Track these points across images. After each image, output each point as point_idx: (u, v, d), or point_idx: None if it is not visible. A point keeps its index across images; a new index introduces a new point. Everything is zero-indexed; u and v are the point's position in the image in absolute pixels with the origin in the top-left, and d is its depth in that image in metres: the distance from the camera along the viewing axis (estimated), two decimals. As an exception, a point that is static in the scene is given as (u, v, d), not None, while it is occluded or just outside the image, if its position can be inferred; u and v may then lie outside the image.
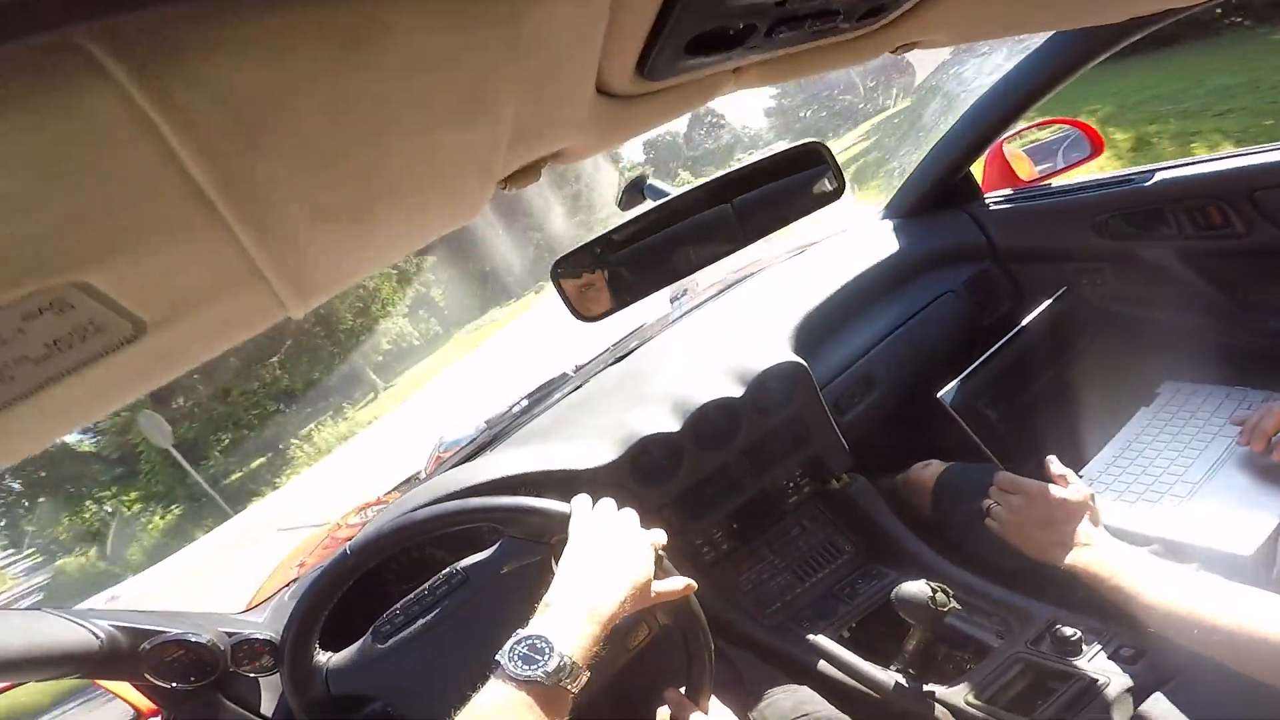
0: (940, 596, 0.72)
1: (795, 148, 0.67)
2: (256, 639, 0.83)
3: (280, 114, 0.21)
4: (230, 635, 0.82)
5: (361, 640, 0.75)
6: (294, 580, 1.01)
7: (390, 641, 0.74)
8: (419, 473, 1.70)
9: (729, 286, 1.38)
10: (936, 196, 1.28)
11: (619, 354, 1.27)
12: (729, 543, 1.04)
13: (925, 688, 0.75)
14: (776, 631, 0.94)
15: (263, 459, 16.65)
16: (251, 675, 0.84)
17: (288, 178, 0.23)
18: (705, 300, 1.37)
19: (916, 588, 0.73)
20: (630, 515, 0.71)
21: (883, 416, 1.12)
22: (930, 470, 0.97)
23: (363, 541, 0.73)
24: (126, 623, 0.76)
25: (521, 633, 0.55)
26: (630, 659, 0.74)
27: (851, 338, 1.15)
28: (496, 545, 0.76)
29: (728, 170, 0.66)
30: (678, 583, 0.68)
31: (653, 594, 0.65)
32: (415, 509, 0.76)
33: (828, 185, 0.67)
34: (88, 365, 0.24)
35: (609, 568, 0.62)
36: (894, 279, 1.22)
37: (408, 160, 0.28)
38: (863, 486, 1.03)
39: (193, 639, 0.78)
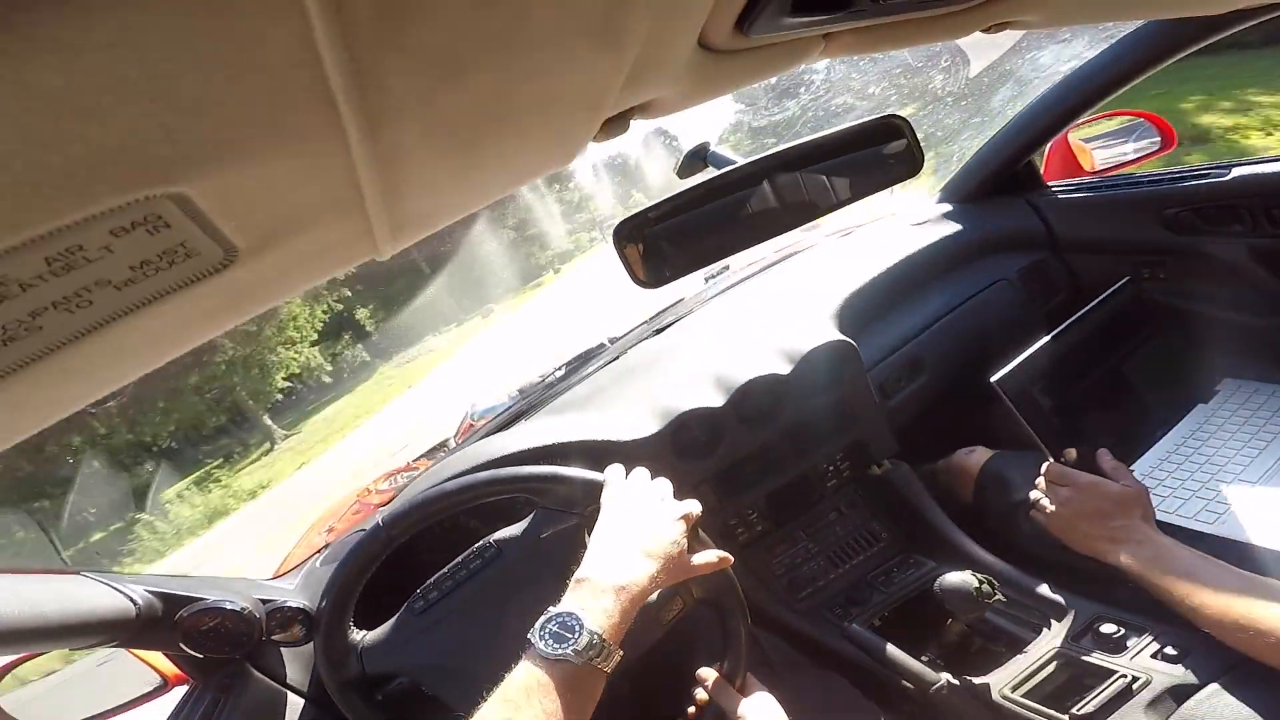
0: (985, 588, 0.73)
1: (873, 120, 0.66)
2: (290, 607, 0.82)
3: (426, 6, 0.20)
4: (265, 603, 0.81)
5: (396, 617, 0.75)
6: (325, 547, 1.01)
7: (424, 617, 0.74)
8: (447, 440, 1.74)
9: (770, 265, 1.39)
10: (996, 182, 1.27)
11: (656, 327, 1.28)
12: (763, 524, 1.05)
13: (959, 679, 0.75)
14: (807, 616, 0.95)
15: (101, 534, 11.62)
16: (283, 645, 0.83)
17: (415, 85, 0.23)
18: (745, 278, 1.37)
19: (961, 578, 0.73)
20: (664, 485, 0.70)
21: (928, 402, 1.13)
22: (975, 457, 0.97)
23: (395, 514, 0.74)
24: (162, 588, 0.75)
25: (552, 610, 0.55)
26: (663, 634, 0.73)
27: (899, 321, 1.15)
28: (529, 516, 0.77)
29: (799, 141, 0.65)
30: (713, 555, 0.68)
31: (687, 567, 0.65)
32: (448, 479, 0.76)
33: (905, 161, 0.66)
34: (171, 295, 0.23)
35: (641, 541, 0.62)
36: (946, 264, 1.22)
37: (532, 81, 0.28)
38: (904, 473, 1.04)
39: (229, 606, 0.77)
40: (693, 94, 0.44)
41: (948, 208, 1.31)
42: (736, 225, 0.67)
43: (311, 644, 0.83)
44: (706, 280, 1.60)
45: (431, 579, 0.76)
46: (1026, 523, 0.85)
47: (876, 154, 0.66)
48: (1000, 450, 0.97)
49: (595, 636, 0.53)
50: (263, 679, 0.83)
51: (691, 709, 0.74)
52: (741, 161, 0.69)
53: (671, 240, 0.67)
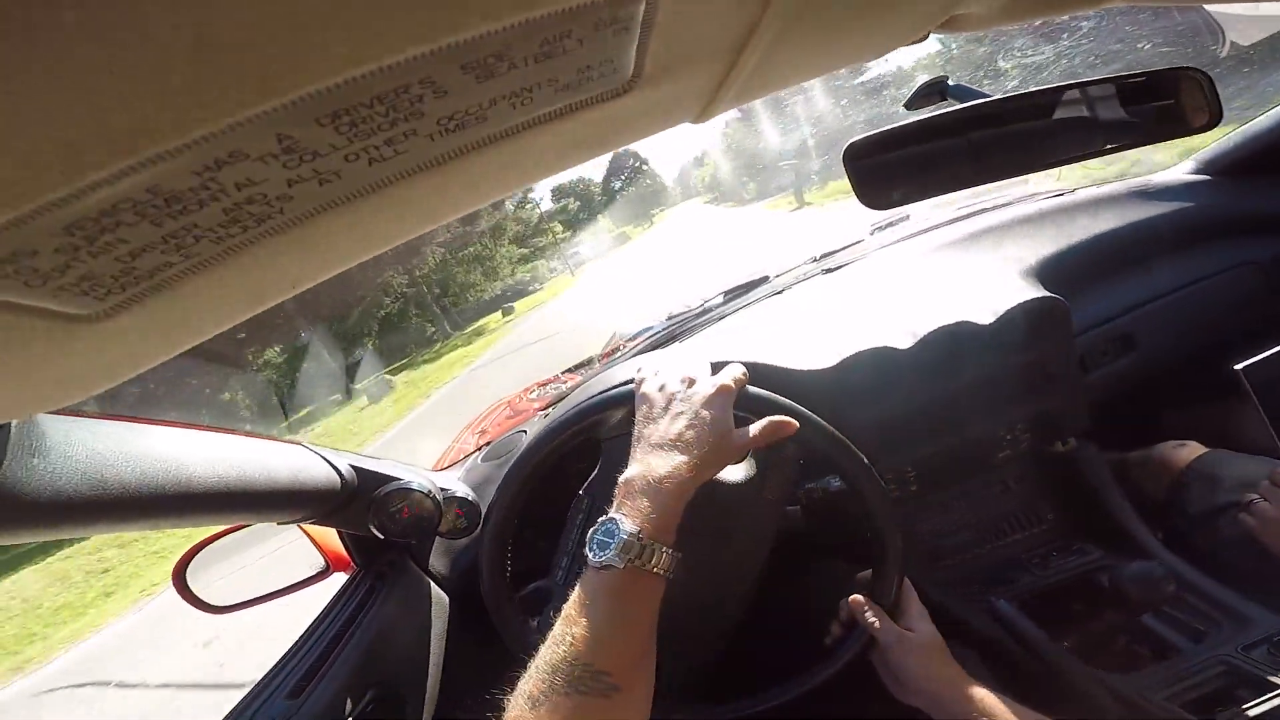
0: (1170, 585, 0.73)
1: (1166, 70, 0.63)
2: (459, 497, 0.85)
3: None
4: (444, 490, 0.84)
5: (548, 577, 0.80)
6: (484, 445, 1.08)
7: (568, 581, 0.76)
8: (593, 358, 1.87)
9: (955, 220, 1.34)
10: (1267, 158, 1.15)
11: (827, 266, 1.28)
12: (919, 485, 1.02)
13: (1101, 671, 0.74)
14: (941, 587, 0.94)
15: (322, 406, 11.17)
16: (444, 536, 0.86)
17: None
18: (927, 228, 1.34)
19: (1147, 568, 0.74)
20: (697, 365, 0.69)
21: (1132, 383, 1.07)
22: (1185, 452, 0.93)
23: (496, 504, 0.80)
24: (363, 465, 0.77)
25: (600, 519, 0.56)
26: (781, 515, 0.73)
27: (1115, 291, 1.08)
28: (600, 457, 0.79)
29: (1076, 80, 0.64)
30: (755, 427, 0.64)
31: (736, 445, 0.62)
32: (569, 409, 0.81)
33: (1195, 116, 0.62)
34: (574, 111, 0.22)
35: (672, 429, 0.61)
36: (1183, 238, 1.12)
37: None
38: (1092, 454, 0.99)
39: (418, 489, 0.80)
40: (1001, 15, 0.46)
41: (1198, 179, 1.20)
42: (979, 160, 0.67)
43: (461, 540, 0.91)
44: (872, 231, 1.57)
45: (559, 546, 0.80)
46: (1230, 526, 0.83)
47: (1158, 105, 0.63)
48: (1216, 449, 0.93)
49: (633, 537, 0.53)
50: (416, 569, 0.87)
51: (834, 630, 0.77)
52: (992, 97, 0.69)
53: (905, 166, 0.69)
